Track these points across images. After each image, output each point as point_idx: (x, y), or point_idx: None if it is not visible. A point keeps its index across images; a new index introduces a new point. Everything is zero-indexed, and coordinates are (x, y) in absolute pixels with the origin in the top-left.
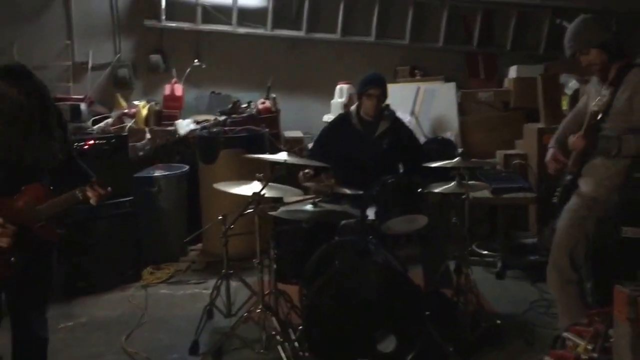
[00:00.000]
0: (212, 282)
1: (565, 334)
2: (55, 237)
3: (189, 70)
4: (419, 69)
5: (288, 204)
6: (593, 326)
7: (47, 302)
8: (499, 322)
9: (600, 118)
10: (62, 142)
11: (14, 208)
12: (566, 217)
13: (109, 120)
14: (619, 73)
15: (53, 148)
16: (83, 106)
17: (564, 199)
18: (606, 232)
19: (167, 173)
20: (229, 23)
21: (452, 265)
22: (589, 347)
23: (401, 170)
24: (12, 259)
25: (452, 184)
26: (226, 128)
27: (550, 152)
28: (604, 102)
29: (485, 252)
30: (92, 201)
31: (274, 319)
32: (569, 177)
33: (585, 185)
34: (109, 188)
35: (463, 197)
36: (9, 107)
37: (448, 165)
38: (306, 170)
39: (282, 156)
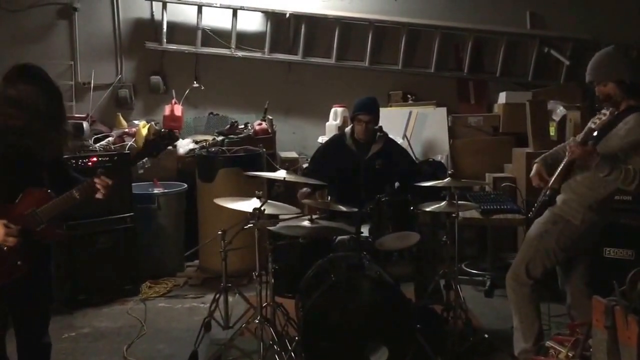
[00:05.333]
0: (209, 297)
1: (548, 343)
2: (57, 237)
3: (188, 91)
4: (411, 94)
5: (285, 220)
6: (574, 336)
7: (48, 308)
8: (486, 336)
9: (594, 141)
10: (68, 138)
11: (16, 212)
12: (533, 228)
13: (110, 139)
14: (626, 110)
15: (62, 142)
16: (85, 124)
17: (538, 214)
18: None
19: (166, 190)
20: (228, 46)
21: (442, 282)
22: (570, 354)
23: (397, 186)
24: (19, 262)
25: (443, 203)
26: (224, 148)
27: (535, 167)
28: (603, 122)
29: (475, 271)
30: (100, 194)
31: (271, 330)
32: (548, 193)
33: (558, 200)
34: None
35: (453, 215)
36: (27, 104)
37: (439, 185)
38: (304, 189)
39: (281, 174)
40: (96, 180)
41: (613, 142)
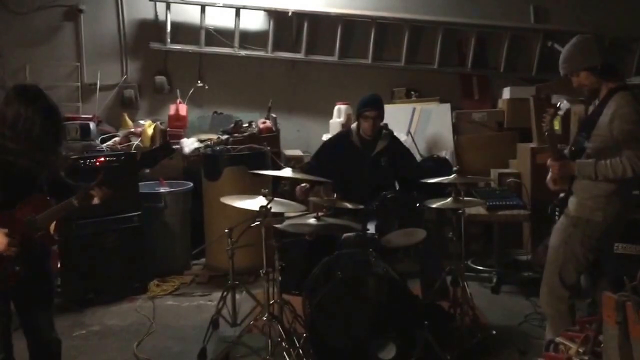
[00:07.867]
0: (216, 295)
1: (558, 339)
2: (53, 243)
3: (192, 91)
4: (415, 90)
5: (290, 217)
6: (584, 332)
7: (52, 304)
8: (494, 332)
9: (584, 137)
10: (63, 158)
11: (16, 219)
12: (555, 236)
13: (117, 139)
14: (607, 95)
15: (58, 163)
16: (92, 125)
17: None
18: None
19: (172, 189)
20: (231, 46)
21: (448, 279)
22: (580, 350)
23: (397, 187)
24: (17, 267)
25: (449, 199)
26: (229, 146)
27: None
28: (547, 121)
29: (481, 267)
30: (96, 200)
31: (279, 327)
32: (561, 195)
33: (571, 204)
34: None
35: (459, 211)
36: (23, 125)
37: (445, 181)
38: (302, 184)
39: (286, 172)
40: (93, 192)
41: (603, 131)
